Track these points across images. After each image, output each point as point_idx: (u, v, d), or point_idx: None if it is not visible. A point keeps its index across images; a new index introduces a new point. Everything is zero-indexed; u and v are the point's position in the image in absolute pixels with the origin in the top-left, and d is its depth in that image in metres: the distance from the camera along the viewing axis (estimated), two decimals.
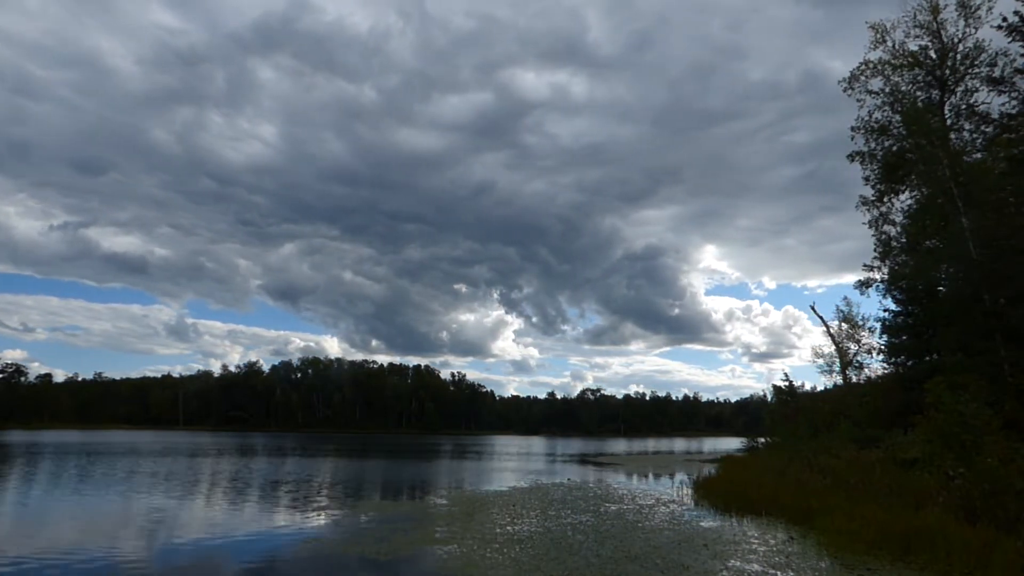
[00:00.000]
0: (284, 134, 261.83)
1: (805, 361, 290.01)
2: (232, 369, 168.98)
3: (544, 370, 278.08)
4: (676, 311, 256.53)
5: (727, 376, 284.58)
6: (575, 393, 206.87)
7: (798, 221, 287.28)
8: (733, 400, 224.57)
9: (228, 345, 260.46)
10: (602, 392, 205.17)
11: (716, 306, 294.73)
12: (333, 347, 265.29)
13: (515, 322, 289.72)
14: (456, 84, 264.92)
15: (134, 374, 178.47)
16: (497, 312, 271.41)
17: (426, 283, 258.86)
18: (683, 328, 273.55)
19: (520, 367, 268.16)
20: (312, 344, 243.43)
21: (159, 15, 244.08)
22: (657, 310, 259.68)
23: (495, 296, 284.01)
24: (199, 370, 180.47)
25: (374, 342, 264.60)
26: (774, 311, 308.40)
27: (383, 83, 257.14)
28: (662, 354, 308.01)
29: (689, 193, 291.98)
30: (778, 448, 31.35)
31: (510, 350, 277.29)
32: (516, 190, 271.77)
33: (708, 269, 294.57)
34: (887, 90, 29.01)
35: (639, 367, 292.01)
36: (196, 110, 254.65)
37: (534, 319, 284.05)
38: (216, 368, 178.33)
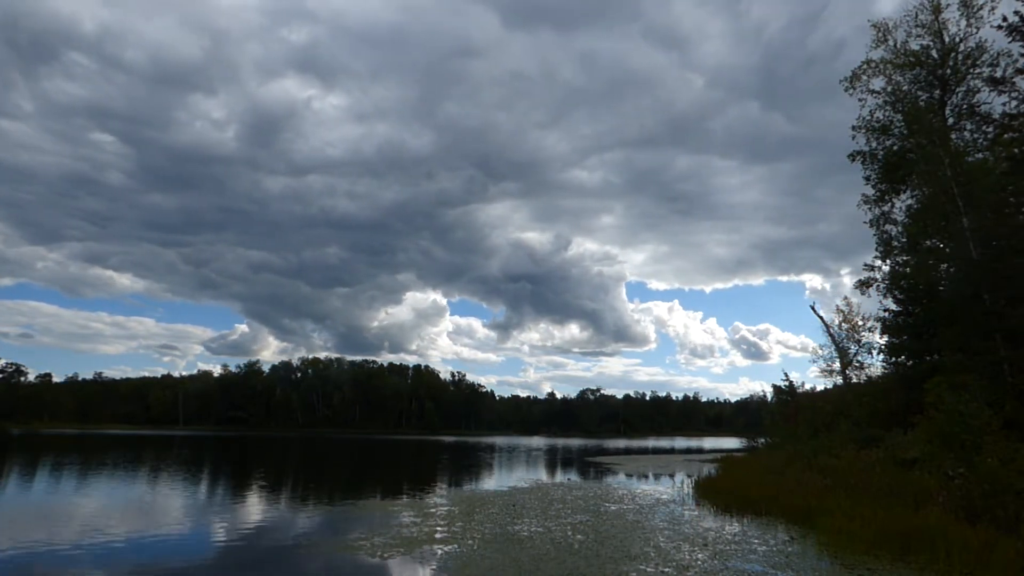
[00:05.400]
0: (63, 136, 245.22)
1: (734, 358, 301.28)
2: (232, 369, 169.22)
3: (492, 368, 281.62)
4: (596, 312, 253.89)
5: (691, 376, 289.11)
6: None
7: (661, 218, 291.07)
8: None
9: (169, 342, 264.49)
10: (602, 392, 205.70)
11: (634, 309, 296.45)
12: (271, 345, 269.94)
13: (449, 322, 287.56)
14: (212, 88, 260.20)
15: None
16: (424, 311, 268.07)
17: (319, 283, 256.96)
18: (607, 328, 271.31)
19: (473, 367, 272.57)
20: (237, 338, 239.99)
21: None
22: (576, 310, 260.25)
23: (432, 298, 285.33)
24: (199, 370, 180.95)
25: (314, 339, 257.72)
26: (684, 312, 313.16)
27: (130, 84, 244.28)
28: (589, 355, 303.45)
29: (526, 191, 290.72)
30: (778, 448, 31.33)
31: (446, 348, 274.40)
32: (350, 190, 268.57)
33: (611, 265, 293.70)
34: (888, 89, 29.00)
35: (602, 369, 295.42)
36: None
37: (476, 322, 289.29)
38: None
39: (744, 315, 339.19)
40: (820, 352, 37.22)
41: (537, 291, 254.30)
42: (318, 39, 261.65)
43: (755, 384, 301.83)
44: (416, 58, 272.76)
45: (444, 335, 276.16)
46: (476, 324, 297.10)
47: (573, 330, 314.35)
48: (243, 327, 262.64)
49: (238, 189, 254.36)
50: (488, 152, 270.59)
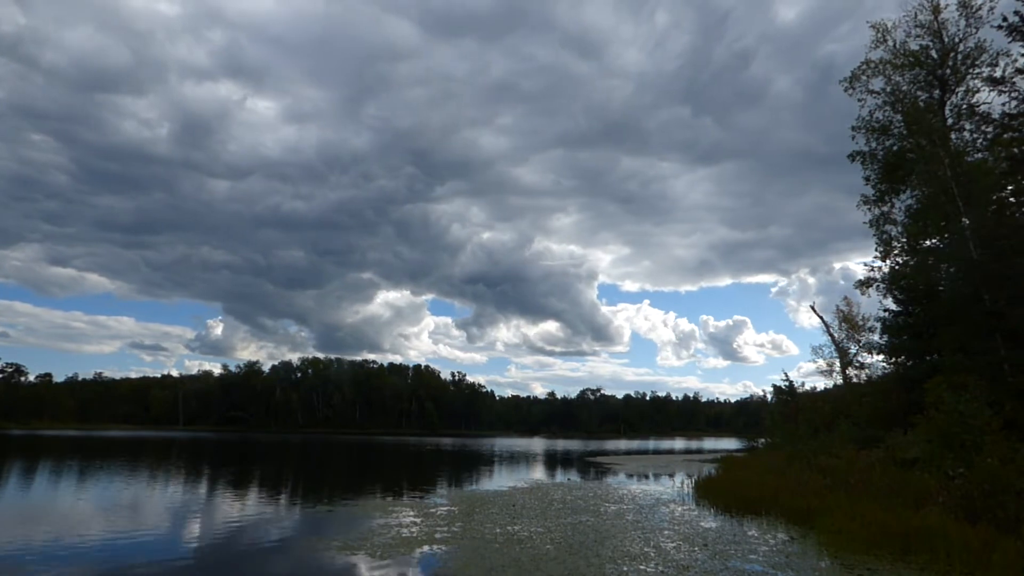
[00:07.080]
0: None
1: (714, 359, 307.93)
2: (232, 369, 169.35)
3: (479, 368, 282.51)
4: (571, 312, 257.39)
5: (678, 376, 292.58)
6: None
7: (617, 218, 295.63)
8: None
9: (149, 341, 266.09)
10: (602, 392, 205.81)
11: (609, 310, 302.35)
12: (250, 344, 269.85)
13: (430, 320, 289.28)
14: (141, 90, 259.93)
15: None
16: (401, 310, 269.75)
17: (286, 284, 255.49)
18: (582, 328, 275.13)
19: (457, 367, 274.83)
20: (215, 337, 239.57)
21: None
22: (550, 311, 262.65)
23: (410, 295, 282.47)
24: (199, 370, 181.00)
25: (295, 337, 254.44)
26: (661, 313, 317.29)
27: (54, 86, 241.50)
28: (567, 356, 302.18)
29: (474, 190, 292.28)
30: (778, 448, 31.32)
31: (426, 348, 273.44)
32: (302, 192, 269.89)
33: (584, 267, 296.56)
34: (888, 90, 28.99)
35: (590, 368, 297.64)
36: None
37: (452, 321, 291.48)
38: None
39: (719, 316, 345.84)
40: (819, 351, 37.37)
41: (505, 291, 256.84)
42: (242, 44, 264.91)
43: (739, 385, 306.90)
44: (343, 62, 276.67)
45: (425, 334, 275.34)
46: (449, 323, 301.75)
47: (547, 329, 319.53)
48: (219, 327, 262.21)
49: (185, 191, 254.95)
50: (424, 150, 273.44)
